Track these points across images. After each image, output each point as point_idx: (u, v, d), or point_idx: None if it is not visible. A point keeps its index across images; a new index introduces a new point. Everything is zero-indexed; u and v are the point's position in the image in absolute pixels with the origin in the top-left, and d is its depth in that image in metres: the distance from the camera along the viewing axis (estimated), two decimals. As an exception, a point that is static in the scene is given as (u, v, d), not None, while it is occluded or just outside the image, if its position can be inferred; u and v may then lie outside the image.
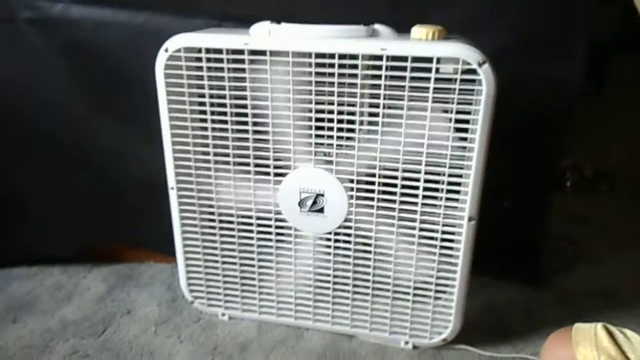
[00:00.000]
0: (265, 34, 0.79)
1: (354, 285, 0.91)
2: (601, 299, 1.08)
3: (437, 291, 0.88)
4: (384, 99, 0.76)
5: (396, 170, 0.80)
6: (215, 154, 0.87)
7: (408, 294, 0.89)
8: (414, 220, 0.83)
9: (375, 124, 0.78)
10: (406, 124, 0.77)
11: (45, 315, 1.02)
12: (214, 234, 0.94)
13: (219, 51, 0.79)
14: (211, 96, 0.83)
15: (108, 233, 1.15)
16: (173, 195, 0.91)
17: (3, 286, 1.10)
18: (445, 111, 0.76)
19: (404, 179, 0.80)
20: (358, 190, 0.83)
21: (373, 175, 0.82)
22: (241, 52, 0.78)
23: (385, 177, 0.81)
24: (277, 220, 0.90)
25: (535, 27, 0.93)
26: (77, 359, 0.90)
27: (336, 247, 0.89)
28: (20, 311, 1.03)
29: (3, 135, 1.05)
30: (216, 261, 0.96)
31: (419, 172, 0.79)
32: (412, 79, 0.74)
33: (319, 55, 0.76)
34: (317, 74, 0.77)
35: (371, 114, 0.79)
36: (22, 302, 1.05)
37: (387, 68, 0.74)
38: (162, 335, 0.97)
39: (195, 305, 1.02)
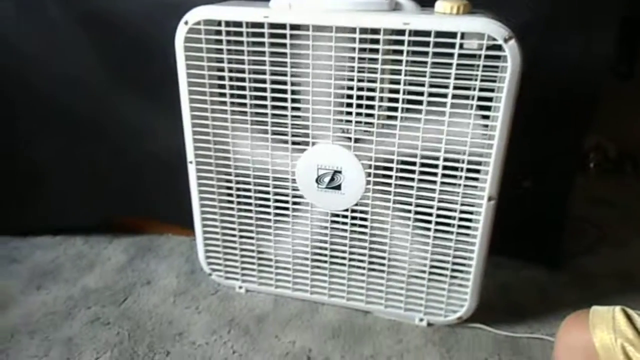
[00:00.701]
0: (285, 7, 0.78)
1: (370, 262, 0.92)
2: (619, 281, 1.07)
3: (453, 270, 0.88)
4: (406, 75, 0.75)
5: (415, 155, 0.79)
6: (234, 129, 0.87)
7: (424, 271, 0.89)
8: (432, 199, 0.82)
9: (395, 108, 0.77)
10: (427, 111, 0.76)
11: (68, 283, 1.05)
12: (232, 208, 0.95)
13: (239, 24, 0.79)
14: (231, 70, 0.83)
15: (127, 206, 1.17)
16: (192, 169, 0.92)
17: (27, 255, 1.13)
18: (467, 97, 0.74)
19: (423, 157, 0.79)
20: (376, 167, 0.83)
21: (392, 155, 0.81)
22: (261, 25, 0.77)
23: (404, 154, 0.81)
24: (294, 196, 0.90)
25: (562, 1, 0.89)
26: (98, 326, 0.93)
27: (352, 224, 0.89)
28: (44, 279, 1.06)
29: (25, 108, 1.06)
30: (234, 235, 0.97)
31: (439, 150, 0.78)
32: (435, 54, 0.72)
33: (339, 29, 0.75)
34: (337, 48, 0.76)
35: (392, 91, 0.77)
36: (45, 270, 1.08)
37: (409, 43, 0.73)
38: (180, 306, 0.99)
39: (213, 278, 1.03)
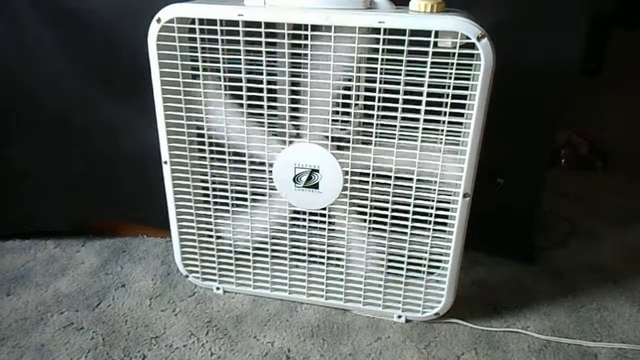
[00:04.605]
0: (260, 5, 0.77)
1: (348, 261, 0.92)
2: (592, 274, 1.10)
3: (430, 266, 0.89)
4: (381, 73, 0.75)
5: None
6: (209, 128, 0.86)
7: (402, 269, 0.89)
8: (408, 196, 0.83)
9: (371, 106, 0.77)
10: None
11: (39, 288, 1.02)
12: (208, 208, 0.93)
13: (213, 22, 0.78)
14: (205, 69, 0.82)
15: (101, 207, 1.14)
16: (167, 169, 0.90)
17: (-4, 259, 1.10)
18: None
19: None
20: (354, 167, 0.83)
21: (368, 162, 0.81)
22: (235, 23, 0.77)
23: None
24: (271, 195, 0.89)
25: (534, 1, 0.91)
26: (72, 331, 0.91)
27: (330, 223, 0.89)
28: (15, 284, 1.03)
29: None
30: (210, 235, 0.96)
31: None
32: (410, 52, 0.73)
33: (315, 27, 0.74)
34: (313, 46, 0.76)
35: (368, 89, 0.77)
36: (16, 275, 1.05)
37: (384, 41, 0.73)
38: (156, 309, 0.97)
39: (190, 279, 1.02)
